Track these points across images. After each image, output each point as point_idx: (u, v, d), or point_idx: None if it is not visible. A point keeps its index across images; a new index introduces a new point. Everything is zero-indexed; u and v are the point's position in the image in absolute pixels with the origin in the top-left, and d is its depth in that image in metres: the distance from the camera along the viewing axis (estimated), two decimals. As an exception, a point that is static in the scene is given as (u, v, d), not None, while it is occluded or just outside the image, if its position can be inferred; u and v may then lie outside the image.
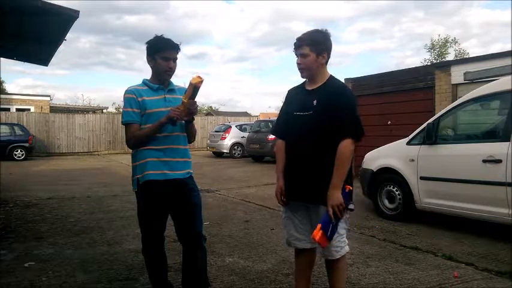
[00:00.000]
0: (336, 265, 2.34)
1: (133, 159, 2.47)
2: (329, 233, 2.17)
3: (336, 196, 2.15)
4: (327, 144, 2.21)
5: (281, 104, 2.70)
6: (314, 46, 2.26)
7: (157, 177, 2.36)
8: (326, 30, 2.32)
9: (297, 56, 2.32)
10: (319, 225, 2.18)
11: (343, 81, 10.64)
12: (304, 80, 2.43)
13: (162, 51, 2.38)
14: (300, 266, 2.53)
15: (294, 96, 2.44)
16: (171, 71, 2.44)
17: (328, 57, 2.33)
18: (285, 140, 2.43)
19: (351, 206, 2.25)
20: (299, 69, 2.34)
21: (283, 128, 2.45)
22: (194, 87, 2.28)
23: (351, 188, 2.25)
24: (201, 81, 2.28)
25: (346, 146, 2.16)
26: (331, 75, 2.36)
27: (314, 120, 2.24)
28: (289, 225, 2.45)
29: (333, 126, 2.19)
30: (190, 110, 2.34)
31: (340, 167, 2.16)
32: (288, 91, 2.53)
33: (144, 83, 2.48)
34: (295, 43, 2.32)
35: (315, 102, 2.26)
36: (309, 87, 2.37)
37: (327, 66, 2.37)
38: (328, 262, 2.37)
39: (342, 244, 2.30)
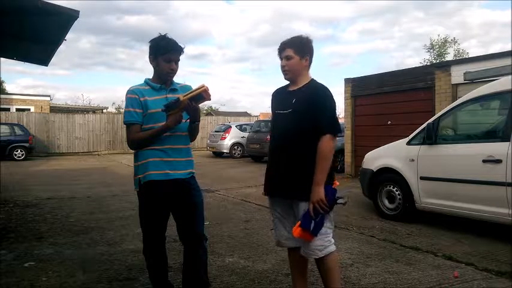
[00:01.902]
0: (324, 265, 2.33)
1: (135, 159, 2.47)
2: (312, 228, 2.21)
3: (317, 192, 2.20)
4: (306, 142, 2.28)
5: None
6: (297, 49, 2.36)
7: (159, 177, 2.36)
8: (308, 36, 2.42)
9: (281, 59, 2.40)
10: (298, 222, 2.24)
11: (343, 81, 10.56)
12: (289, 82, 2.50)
13: (164, 53, 2.36)
14: (295, 265, 2.56)
15: (277, 96, 2.53)
16: (173, 72, 2.43)
17: (311, 61, 2.42)
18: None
19: (341, 201, 2.30)
20: (283, 71, 2.42)
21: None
22: (199, 93, 2.26)
23: (337, 183, 2.32)
24: (207, 92, 2.26)
25: (325, 142, 2.24)
26: (312, 79, 2.43)
27: (293, 118, 2.32)
28: (279, 225, 2.50)
29: (311, 124, 2.26)
30: (188, 110, 2.32)
31: (321, 163, 2.23)
32: (273, 93, 2.60)
33: (146, 82, 2.47)
34: (279, 47, 2.41)
35: (294, 100, 2.34)
36: (290, 89, 2.45)
37: (316, 69, 2.44)
38: (318, 262, 2.37)
39: (325, 243, 2.30)
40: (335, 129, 2.29)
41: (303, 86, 2.39)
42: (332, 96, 2.36)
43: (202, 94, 2.27)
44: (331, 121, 2.29)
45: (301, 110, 2.30)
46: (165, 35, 2.41)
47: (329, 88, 2.38)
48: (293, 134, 2.31)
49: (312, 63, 2.45)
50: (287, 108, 2.36)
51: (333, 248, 2.35)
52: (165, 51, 2.36)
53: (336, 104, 2.37)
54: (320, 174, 2.22)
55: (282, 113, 2.39)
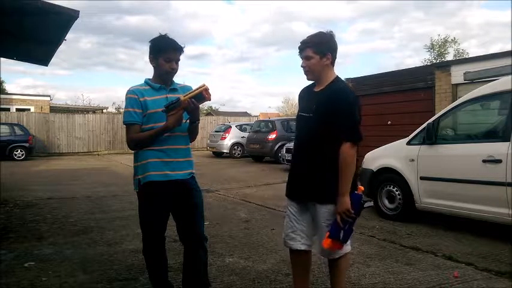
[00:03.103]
0: (337, 264, 2.34)
1: (135, 160, 2.47)
2: (341, 237, 2.21)
3: (343, 202, 2.18)
4: (325, 146, 2.25)
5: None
6: (317, 48, 2.27)
7: (158, 178, 2.36)
8: (330, 31, 2.32)
9: (302, 59, 2.34)
10: (327, 234, 2.23)
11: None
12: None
13: (165, 53, 2.36)
14: (296, 266, 2.54)
15: (303, 97, 2.50)
16: (173, 72, 2.42)
17: (334, 57, 2.33)
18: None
19: (368, 204, 2.30)
20: (304, 72, 2.36)
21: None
22: (199, 92, 2.26)
23: (362, 188, 2.30)
24: (207, 91, 2.27)
25: (346, 150, 2.19)
26: (336, 77, 2.36)
27: (313, 122, 2.28)
28: (289, 224, 2.48)
29: (331, 129, 2.21)
30: (188, 109, 2.32)
31: (344, 172, 2.20)
32: (300, 92, 2.56)
33: (146, 82, 2.47)
34: (299, 47, 2.34)
35: (315, 105, 2.30)
36: (315, 89, 2.39)
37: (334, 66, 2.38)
38: (330, 261, 2.38)
39: None
40: (355, 137, 2.21)
41: (325, 87, 2.32)
42: (354, 100, 2.27)
43: (203, 93, 2.27)
44: (351, 128, 2.21)
45: (321, 115, 2.25)
46: (165, 35, 2.41)
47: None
48: (313, 138, 2.28)
49: (335, 59, 2.34)
50: (309, 112, 2.32)
51: (349, 248, 2.35)
52: (165, 51, 2.36)
53: (358, 107, 2.27)
54: (344, 183, 2.19)
55: (305, 116, 2.36)
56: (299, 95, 2.55)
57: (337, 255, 2.30)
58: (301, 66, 2.35)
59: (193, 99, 2.28)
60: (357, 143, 2.22)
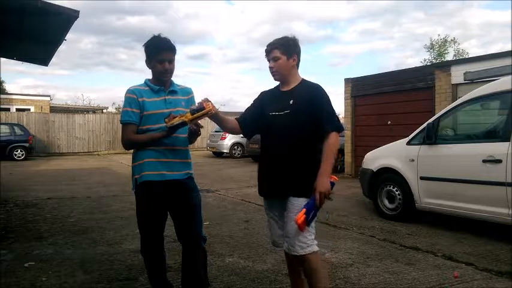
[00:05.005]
0: (308, 265, 2.29)
1: (133, 160, 2.47)
2: (310, 218, 2.22)
3: (325, 182, 2.23)
4: (305, 141, 2.31)
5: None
6: (284, 49, 2.38)
7: (155, 178, 2.36)
8: (294, 36, 2.44)
9: (269, 61, 2.43)
10: (304, 210, 2.22)
11: (343, 81, 10.56)
12: (278, 84, 2.51)
13: (156, 55, 2.35)
14: (291, 264, 2.54)
15: (269, 98, 2.52)
16: (167, 72, 2.40)
17: (299, 60, 2.44)
18: (246, 134, 2.59)
19: (331, 196, 2.31)
20: (271, 72, 2.44)
21: (247, 118, 2.55)
22: (205, 113, 2.23)
23: (336, 179, 2.34)
24: (212, 111, 2.26)
25: (334, 138, 2.29)
26: (303, 78, 2.46)
27: (291, 118, 2.33)
28: (275, 226, 2.50)
29: (310, 123, 2.30)
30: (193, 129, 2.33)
31: (330, 158, 2.28)
32: (261, 93, 2.60)
33: (146, 83, 2.46)
34: (266, 49, 2.43)
35: (291, 101, 2.36)
36: (283, 89, 2.45)
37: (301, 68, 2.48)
38: (301, 262, 2.32)
39: (308, 241, 2.27)
40: (339, 127, 2.34)
41: (296, 86, 2.41)
42: (327, 94, 2.39)
43: (210, 114, 2.26)
44: (334, 119, 2.33)
45: (300, 111, 2.31)
46: (158, 35, 2.39)
47: (327, 88, 2.41)
48: (293, 134, 2.31)
49: (300, 62, 2.45)
50: (284, 110, 2.35)
51: (315, 248, 2.30)
52: (156, 53, 2.35)
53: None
54: (328, 167, 2.26)
55: (277, 115, 2.37)
56: (261, 95, 2.57)
57: (303, 251, 2.26)
58: (269, 67, 2.43)
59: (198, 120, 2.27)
60: (339, 133, 2.35)
